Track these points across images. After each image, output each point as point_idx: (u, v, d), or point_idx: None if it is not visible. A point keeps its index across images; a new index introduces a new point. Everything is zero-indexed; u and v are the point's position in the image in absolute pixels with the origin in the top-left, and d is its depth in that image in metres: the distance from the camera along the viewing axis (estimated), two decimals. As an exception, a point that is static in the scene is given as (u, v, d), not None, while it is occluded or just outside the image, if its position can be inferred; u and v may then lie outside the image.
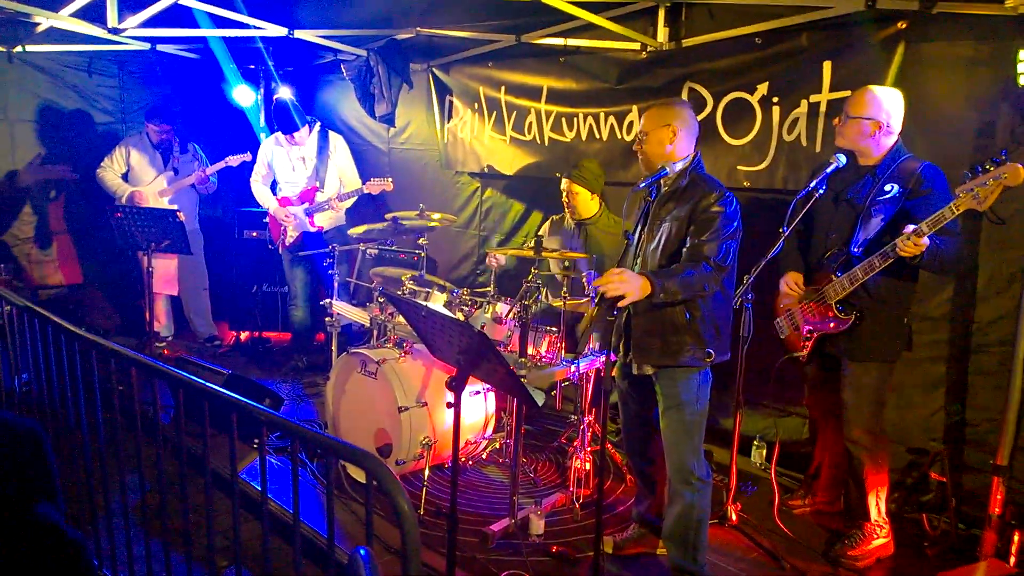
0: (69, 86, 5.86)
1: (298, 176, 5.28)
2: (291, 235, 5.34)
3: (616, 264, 2.69)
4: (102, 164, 5.58)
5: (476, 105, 5.23)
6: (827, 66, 3.47)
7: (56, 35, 5.15)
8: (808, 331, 3.10)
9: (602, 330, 3.50)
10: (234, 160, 5.59)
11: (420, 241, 4.39)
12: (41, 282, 5.91)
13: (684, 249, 2.72)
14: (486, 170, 5.29)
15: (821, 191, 3.00)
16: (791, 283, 3.15)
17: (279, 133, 5.28)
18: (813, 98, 3.54)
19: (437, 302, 3.87)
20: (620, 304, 2.57)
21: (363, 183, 5.13)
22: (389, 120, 5.25)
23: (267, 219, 5.49)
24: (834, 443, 3.36)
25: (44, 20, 4.76)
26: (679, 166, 2.81)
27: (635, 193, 2.82)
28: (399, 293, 3.94)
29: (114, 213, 4.88)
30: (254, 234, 5.55)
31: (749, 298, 3.09)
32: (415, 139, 5.89)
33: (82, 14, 4.57)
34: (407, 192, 5.89)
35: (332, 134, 5.31)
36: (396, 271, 4.52)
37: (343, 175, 5.27)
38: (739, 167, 3.87)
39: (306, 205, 5.23)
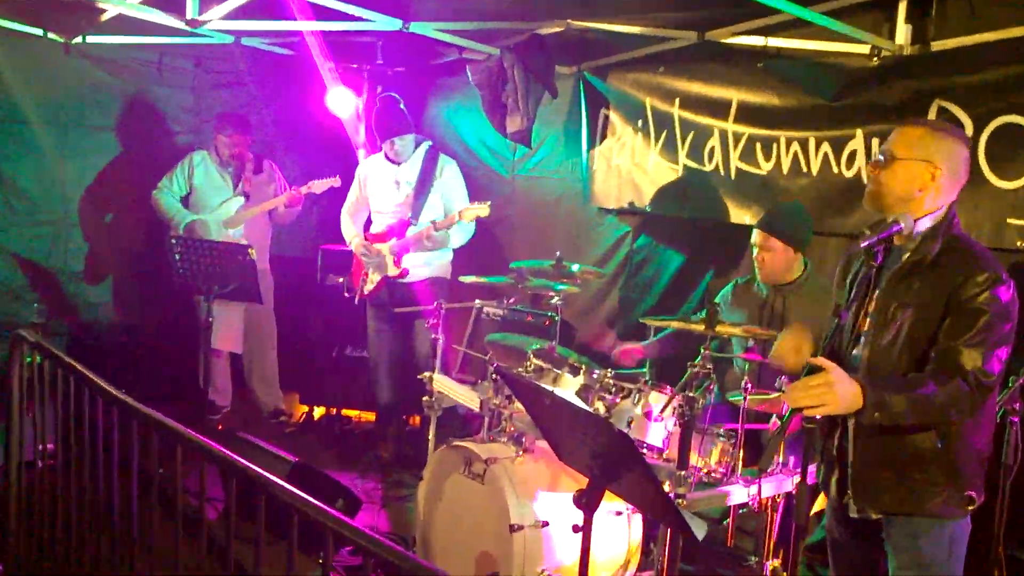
0: (134, 86, 6.23)
1: (390, 202, 5.39)
2: (371, 281, 5.42)
3: (821, 351, 2.62)
4: (159, 185, 5.87)
5: (640, 122, 5.30)
6: None
7: (124, 25, 5.33)
8: None
9: (796, 441, 3.46)
10: (318, 185, 5.73)
11: (552, 301, 4.45)
12: (89, 326, 6.19)
13: (933, 350, 2.59)
14: (648, 208, 5.32)
15: None
16: None
17: (383, 152, 5.47)
18: None
19: (569, 386, 3.91)
20: (816, 413, 2.50)
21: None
22: (523, 139, 5.37)
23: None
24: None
25: (111, 7, 5.03)
26: (927, 223, 2.69)
27: (852, 254, 2.78)
28: (520, 371, 3.99)
29: (171, 246, 5.13)
30: (339, 280, 5.78)
31: (1016, 408, 2.99)
32: (548, 164, 6.01)
33: (156, 1, 4.87)
34: (533, 233, 6.02)
35: (443, 158, 5.43)
36: (518, 340, 4.60)
37: (449, 211, 5.32)
38: (1010, 220, 3.75)
39: (393, 241, 5.28)
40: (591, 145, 5.66)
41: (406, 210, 5.35)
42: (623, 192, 5.46)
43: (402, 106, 5.36)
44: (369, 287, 5.44)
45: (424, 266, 5.38)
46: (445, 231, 5.25)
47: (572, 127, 5.76)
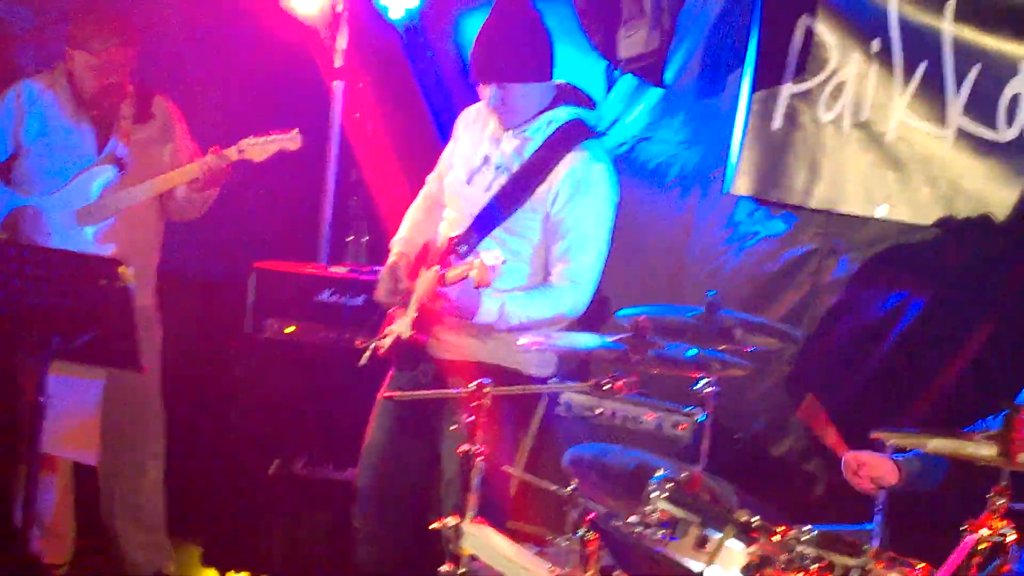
0: None
1: (464, 193, 5.40)
2: (388, 336, 5.38)
3: None
4: None
5: (877, 44, 5.41)
6: None
7: None
8: None
9: None
10: (258, 147, 5.75)
11: (698, 386, 4.54)
12: None
13: None
14: (881, 210, 5.47)
15: None
16: None
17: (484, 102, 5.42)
18: None
19: (733, 561, 3.93)
20: None
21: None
22: (650, 70, 5.70)
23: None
24: None
25: None
26: None
27: None
28: (634, 523, 4.02)
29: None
30: (288, 329, 5.90)
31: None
32: (669, 120, 6.21)
33: None
34: (629, 250, 5.95)
35: (590, 150, 5.29)
36: (628, 460, 4.71)
37: (564, 248, 5.18)
38: None
39: (433, 272, 5.17)
40: (763, 82, 5.76)
41: (465, 218, 5.33)
42: (829, 174, 5.57)
43: (543, 21, 5.29)
44: (385, 343, 5.36)
45: (475, 340, 5.27)
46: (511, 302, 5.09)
47: (721, 49, 5.94)
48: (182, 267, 6.43)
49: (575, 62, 5.94)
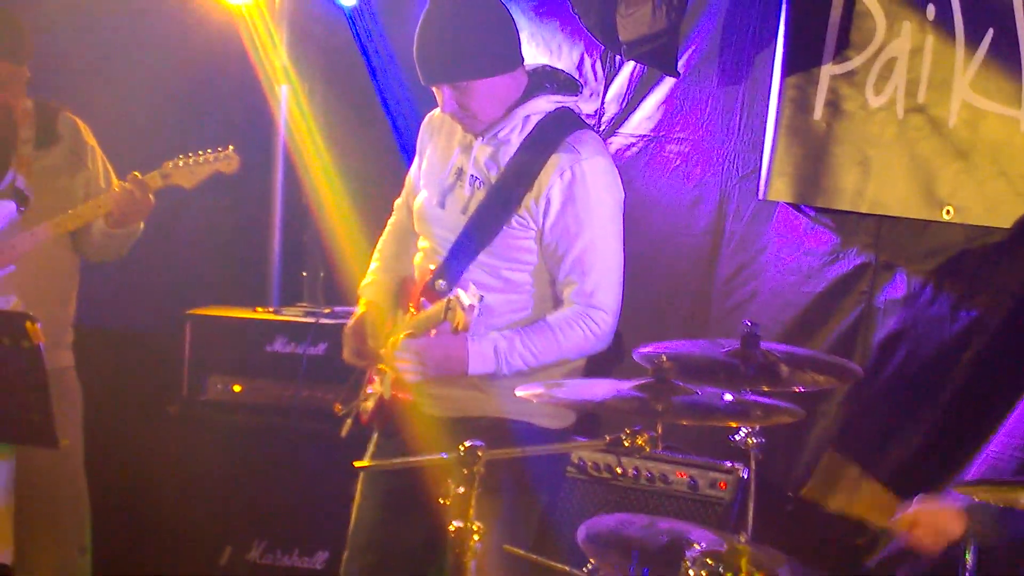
0: None
1: (437, 217, 5.38)
2: (371, 398, 5.40)
3: None
4: None
5: (932, 10, 5.44)
6: None
7: None
8: None
9: None
10: (185, 172, 5.78)
11: (739, 436, 4.56)
12: None
13: None
14: (946, 211, 5.42)
15: None
16: None
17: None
18: None
19: None
20: None
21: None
22: (659, 54, 5.77)
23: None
24: None
25: None
26: None
27: None
28: None
29: None
30: (235, 388, 5.86)
31: None
32: (682, 115, 6.27)
33: None
34: (655, 279, 6.27)
35: (575, 147, 5.18)
36: (658, 531, 4.61)
37: (569, 266, 5.13)
38: None
39: (408, 316, 5.24)
40: (797, 64, 5.79)
41: (443, 247, 5.30)
42: (881, 172, 5.58)
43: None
44: (367, 405, 5.37)
45: (472, 391, 5.22)
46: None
47: (745, 26, 6.00)
48: (104, 319, 6.46)
49: (566, 48, 6.14)
